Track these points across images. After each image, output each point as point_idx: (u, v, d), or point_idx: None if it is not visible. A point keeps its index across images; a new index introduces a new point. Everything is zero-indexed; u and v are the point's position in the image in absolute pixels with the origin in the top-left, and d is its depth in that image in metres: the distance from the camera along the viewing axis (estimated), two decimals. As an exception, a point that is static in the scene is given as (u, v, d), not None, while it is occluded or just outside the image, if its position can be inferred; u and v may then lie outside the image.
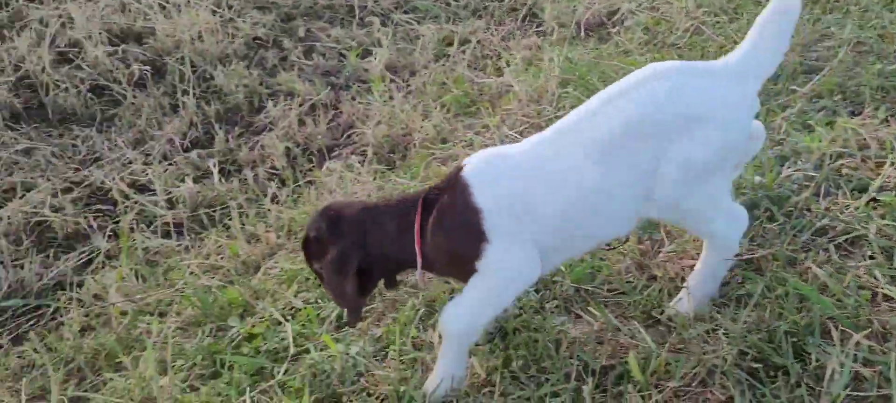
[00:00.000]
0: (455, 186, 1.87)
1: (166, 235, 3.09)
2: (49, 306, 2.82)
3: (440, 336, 1.92)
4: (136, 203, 3.20)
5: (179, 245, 3.04)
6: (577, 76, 3.39)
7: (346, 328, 2.24)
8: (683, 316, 1.96)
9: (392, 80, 3.85)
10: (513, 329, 2.05)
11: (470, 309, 1.85)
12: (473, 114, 3.55)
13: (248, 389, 2.04)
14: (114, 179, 3.28)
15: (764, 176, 2.38)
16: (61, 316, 2.76)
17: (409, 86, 3.85)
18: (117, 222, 3.14)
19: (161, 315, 2.64)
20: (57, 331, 2.67)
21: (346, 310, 2.04)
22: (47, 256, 3.01)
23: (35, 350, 2.56)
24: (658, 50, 3.56)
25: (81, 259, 3.01)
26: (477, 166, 1.88)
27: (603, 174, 1.80)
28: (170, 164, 3.43)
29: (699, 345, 1.84)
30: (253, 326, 2.40)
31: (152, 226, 3.11)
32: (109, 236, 3.09)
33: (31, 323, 2.78)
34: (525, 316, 2.08)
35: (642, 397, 1.79)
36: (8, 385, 2.45)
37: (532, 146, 1.90)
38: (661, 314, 2.01)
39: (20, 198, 3.16)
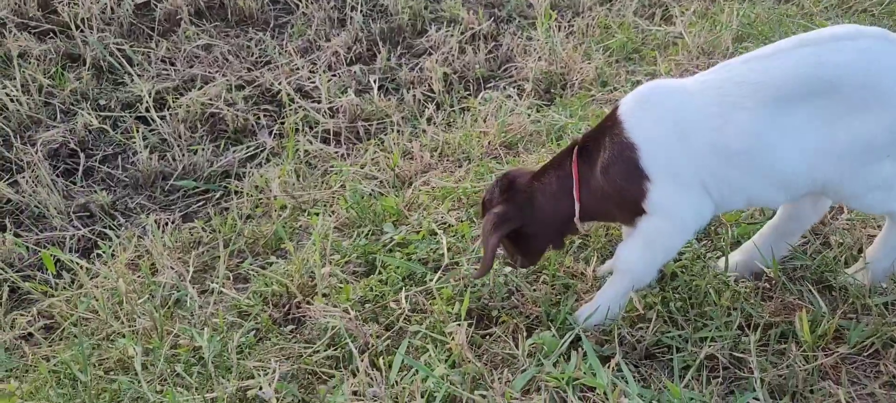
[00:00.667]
0: (612, 125, 1.82)
1: (325, 141, 3.22)
2: (216, 191, 3.02)
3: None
4: (300, 107, 3.34)
5: (337, 152, 3.16)
6: (755, 34, 3.22)
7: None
8: (859, 285, 1.85)
9: (556, 19, 3.80)
10: (671, 272, 2.00)
11: (642, 248, 1.81)
12: (637, 62, 3.46)
13: (402, 289, 2.11)
14: (282, 82, 3.43)
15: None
16: (227, 202, 2.96)
17: (572, 26, 3.78)
18: (282, 123, 3.30)
19: (316, 214, 2.77)
20: (222, 215, 2.86)
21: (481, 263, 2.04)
22: (218, 146, 3.21)
23: (203, 228, 2.76)
24: (849, 15, 3.32)
25: (248, 152, 3.19)
26: (632, 103, 1.81)
27: (768, 122, 1.65)
28: (334, 75, 3.55)
29: (878, 316, 1.73)
30: (406, 234, 2.47)
31: (314, 131, 3.24)
32: (275, 135, 3.25)
33: (200, 204, 2.99)
34: (685, 260, 2.03)
35: (806, 358, 1.71)
36: (178, 256, 2.65)
37: (695, 81, 1.78)
38: (835, 280, 1.91)
39: (199, 89, 3.37)
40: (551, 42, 3.56)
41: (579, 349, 1.75)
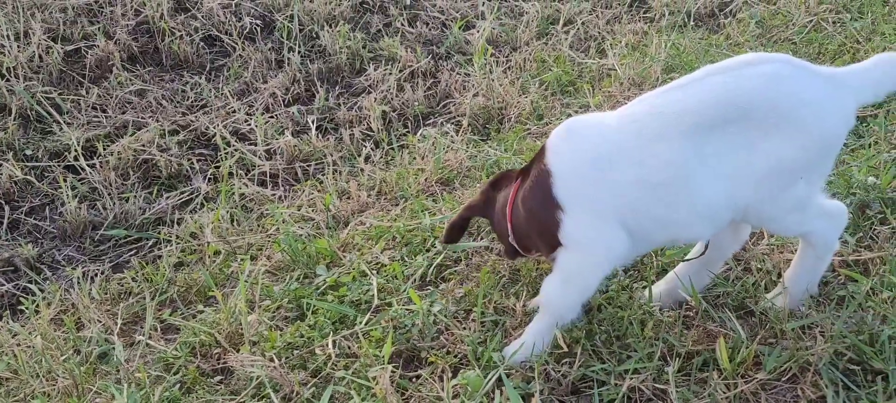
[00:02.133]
0: (540, 153, 1.85)
1: (262, 184, 3.18)
2: (149, 239, 2.96)
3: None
4: (236, 150, 3.31)
5: (274, 194, 3.12)
6: (683, 64, 3.29)
7: (429, 286, 2.25)
8: (778, 310, 1.87)
9: (493, 54, 3.84)
10: (598, 304, 2.01)
11: (561, 283, 1.82)
12: (572, 94, 3.50)
13: (331, 333, 2.08)
14: (217, 126, 3.39)
15: (878, 177, 2.25)
16: (159, 250, 2.90)
17: (509, 61, 3.82)
18: (218, 167, 3.26)
19: (252, 258, 2.73)
20: (154, 263, 2.80)
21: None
22: (151, 192, 3.15)
23: (133, 279, 2.69)
24: (772, 44, 3.41)
25: (182, 197, 3.14)
26: (558, 132, 1.84)
27: (686, 152, 1.68)
28: (271, 117, 3.53)
29: (794, 340, 1.75)
30: (338, 276, 2.44)
31: (250, 174, 3.21)
32: (209, 179, 3.21)
33: (132, 252, 2.92)
34: (610, 292, 2.04)
35: (727, 385, 1.72)
36: (106, 309, 2.58)
37: (619, 115, 1.81)
38: (755, 305, 1.93)
39: (131, 135, 3.32)
40: (488, 77, 3.59)
41: (503, 389, 1.74)
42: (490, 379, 1.77)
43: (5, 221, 2.97)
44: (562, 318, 1.87)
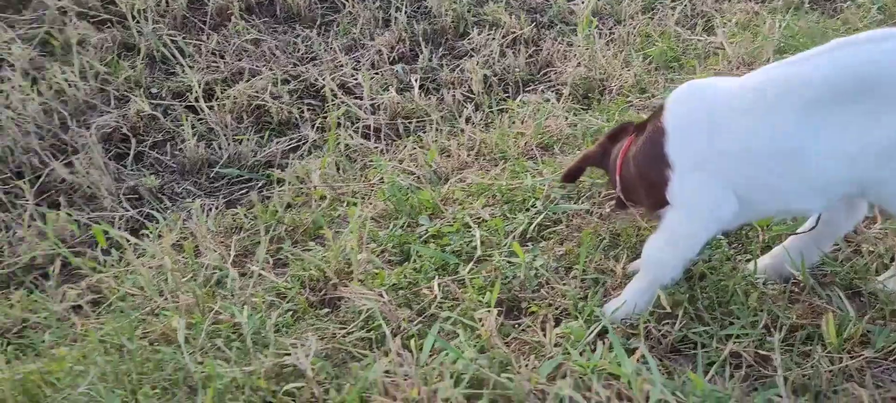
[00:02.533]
0: (656, 112, 1.88)
1: (365, 136, 3.30)
2: (259, 180, 3.13)
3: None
4: (343, 103, 3.43)
5: (376, 147, 3.24)
6: (796, 46, 3.22)
7: (530, 243, 2.32)
8: (889, 292, 1.86)
9: (597, 27, 3.84)
10: (700, 272, 2.03)
11: (665, 241, 1.86)
12: (676, 70, 3.48)
13: (436, 276, 2.17)
14: (326, 78, 3.52)
15: None
16: (268, 191, 3.05)
17: (612, 34, 3.82)
18: (324, 117, 3.39)
19: (354, 204, 2.85)
20: (263, 203, 2.95)
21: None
22: (262, 137, 3.31)
23: (245, 215, 2.85)
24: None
25: (291, 143, 3.28)
26: (679, 91, 1.86)
27: (802, 124, 1.67)
28: (376, 73, 3.63)
29: (905, 322, 1.74)
30: (440, 227, 2.53)
31: (355, 126, 3.33)
32: (316, 128, 3.35)
33: (243, 192, 3.09)
34: (714, 262, 2.06)
35: (831, 360, 1.73)
36: (220, 240, 2.75)
37: (741, 82, 1.81)
38: (865, 286, 1.92)
39: (246, 81, 3.48)
40: (591, 48, 3.60)
41: (606, 340, 1.79)
42: (593, 331, 1.82)
43: (132, 152, 3.18)
44: (663, 278, 1.90)
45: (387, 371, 1.77)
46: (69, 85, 3.27)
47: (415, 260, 2.32)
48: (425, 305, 2.09)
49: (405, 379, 1.72)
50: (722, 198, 1.78)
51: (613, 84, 3.43)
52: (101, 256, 2.66)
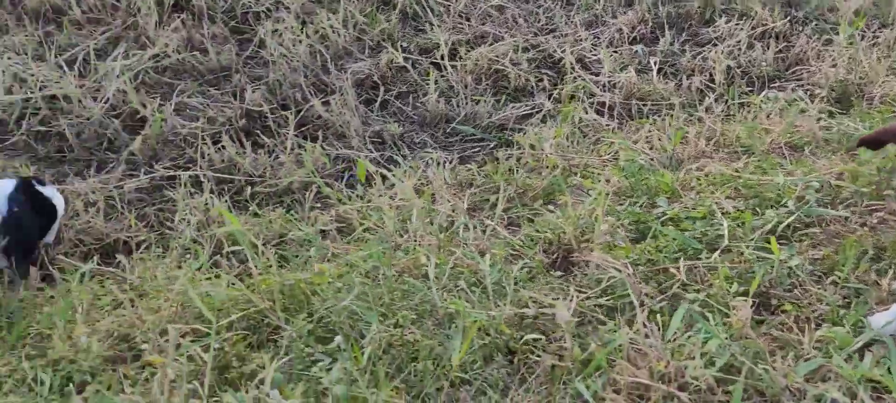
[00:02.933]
0: None
1: (599, 112, 3.30)
2: (492, 141, 3.23)
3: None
4: (579, 77, 3.45)
5: (609, 124, 3.23)
6: None
7: (781, 241, 2.22)
8: None
9: (862, 30, 3.55)
10: None
11: None
12: (953, 84, 3.15)
13: (681, 258, 2.14)
14: (565, 50, 3.55)
15: None
16: (498, 152, 3.15)
17: (877, 37, 3.52)
18: (560, 89, 3.43)
19: (584, 177, 2.86)
20: (495, 162, 3.05)
21: None
22: (498, 100, 3.41)
23: (477, 172, 2.96)
24: None
25: (524, 110, 3.35)
26: None
27: None
28: (614, 51, 3.61)
29: None
30: (678, 210, 2.49)
31: (589, 101, 3.33)
32: (551, 97, 3.39)
33: (476, 150, 3.21)
34: None
35: None
36: (453, 192, 2.87)
37: None
38: None
39: (488, 46, 3.59)
40: (854, 50, 3.34)
41: (874, 351, 1.69)
42: (861, 340, 1.72)
43: (379, 99, 3.40)
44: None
45: (631, 341, 1.78)
46: (333, 31, 3.54)
47: (657, 239, 2.29)
48: (668, 284, 2.07)
49: (652, 350, 1.72)
50: None
51: (876, 91, 3.17)
52: (345, 191, 2.88)
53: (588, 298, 2.07)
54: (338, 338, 1.85)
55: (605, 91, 3.39)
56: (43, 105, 3.15)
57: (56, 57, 3.34)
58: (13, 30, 3.44)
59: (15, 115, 3.12)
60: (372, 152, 3.15)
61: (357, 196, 2.85)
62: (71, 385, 1.86)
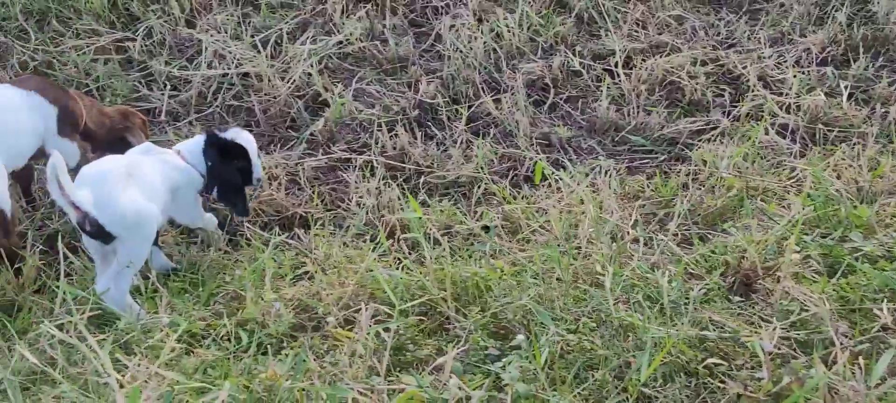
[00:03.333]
0: None
1: (779, 134, 3.13)
2: (662, 154, 3.14)
3: None
4: (760, 95, 3.29)
5: (789, 148, 3.06)
6: None
7: None
8: None
9: None
10: None
11: None
12: None
13: (883, 299, 1.99)
14: (747, 67, 3.40)
15: None
16: (668, 167, 3.06)
17: None
18: (736, 106, 3.28)
19: (764, 201, 2.73)
20: (663, 176, 2.96)
21: None
22: (671, 113, 3.31)
23: (646, 184, 2.89)
24: None
25: (698, 125, 3.23)
26: None
27: None
28: (801, 71, 3.41)
29: None
30: (874, 248, 2.32)
31: (771, 121, 3.17)
32: (729, 115, 3.25)
33: (644, 161, 3.13)
34: None
35: None
36: (621, 203, 2.81)
37: None
38: None
39: (664, 56, 3.49)
40: None
41: None
42: None
43: (548, 102, 3.39)
44: None
45: (830, 380, 1.68)
46: (508, 30, 3.56)
47: (852, 276, 2.15)
48: (868, 325, 1.93)
49: (854, 394, 1.61)
50: None
51: None
52: (509, 189, 2.89)
53: (774, 329, 1.97)
54: (519, 337, 1.86)
55: (788, 112, 3.21)
56: (237, 81, 3.37)
57: (251, 37, 3.55)
58: (216, 9, 3.69)
59: (213, 89, 3.36)
60: (538, 154, 3.14)
61: (522, 196, 2.86)
62: (266, 347, 1.97)
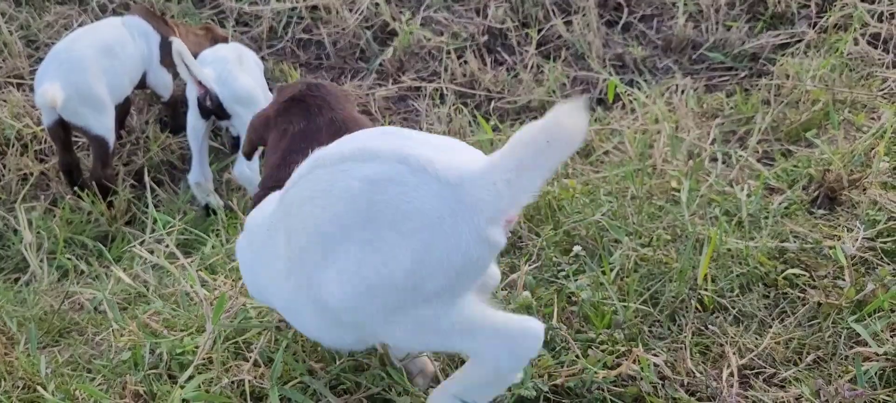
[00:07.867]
0: None
1: (871, 45, 2.95)
2: (743, 70, 3.02)
3: None
4: (849, 3, 3.10)
5: (881, 58, 2.88)
6: None
7: None
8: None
9: None
10: None
11: None
12: None
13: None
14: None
15: None
16: (749, 83, 2.94)
17: None
18: (823, 16, 3.11)
19: (852, 112, 2.60)
20: (743, 93, 2.85)
21: None
22: (753, 27, 3.16)
23: (726, 101, 2.79)
24: None
25: (781, 38, 3.08)
26: None
27: None
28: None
29: None
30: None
31: (860, 31, 2.99)
32: (816, 27, 3.09)
33: (724, 79, 3.02)
34: None
35: None
36: (699, 121, 2.72)
37: None
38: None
39: (744, -34, 3.33)
40: None
41: None
42: None
43: (622, 21, 3.29)
44: None
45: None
46: (578, -52, 3.45)
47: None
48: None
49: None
50: None
51: None
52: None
53: (857, 235, 1.89)
54: (576, 248, 1.86)
55: (880, 21, 3.02)
56: (306, 14, 3.40)
57: (319, -31, 3.57)
58: (283, -58, 3.71)
59: (282, 23, 3.40)
60: (612, 75, 3.06)
61: (595, 119, 2.81)
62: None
